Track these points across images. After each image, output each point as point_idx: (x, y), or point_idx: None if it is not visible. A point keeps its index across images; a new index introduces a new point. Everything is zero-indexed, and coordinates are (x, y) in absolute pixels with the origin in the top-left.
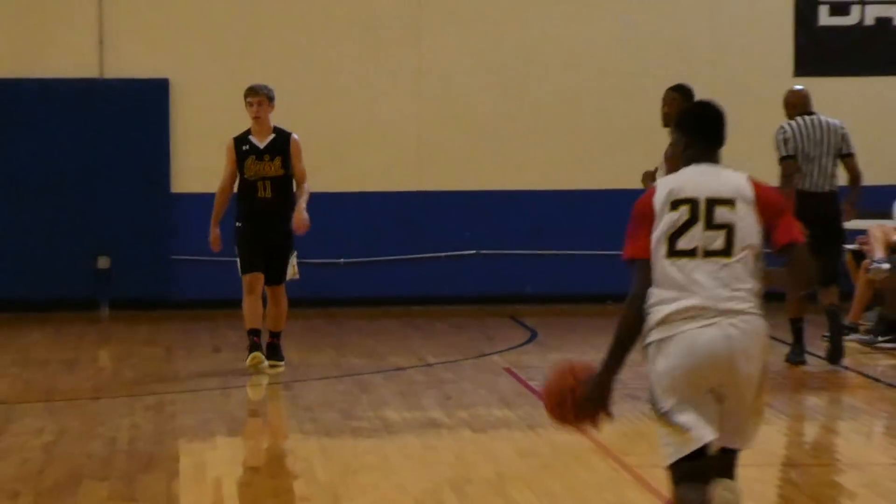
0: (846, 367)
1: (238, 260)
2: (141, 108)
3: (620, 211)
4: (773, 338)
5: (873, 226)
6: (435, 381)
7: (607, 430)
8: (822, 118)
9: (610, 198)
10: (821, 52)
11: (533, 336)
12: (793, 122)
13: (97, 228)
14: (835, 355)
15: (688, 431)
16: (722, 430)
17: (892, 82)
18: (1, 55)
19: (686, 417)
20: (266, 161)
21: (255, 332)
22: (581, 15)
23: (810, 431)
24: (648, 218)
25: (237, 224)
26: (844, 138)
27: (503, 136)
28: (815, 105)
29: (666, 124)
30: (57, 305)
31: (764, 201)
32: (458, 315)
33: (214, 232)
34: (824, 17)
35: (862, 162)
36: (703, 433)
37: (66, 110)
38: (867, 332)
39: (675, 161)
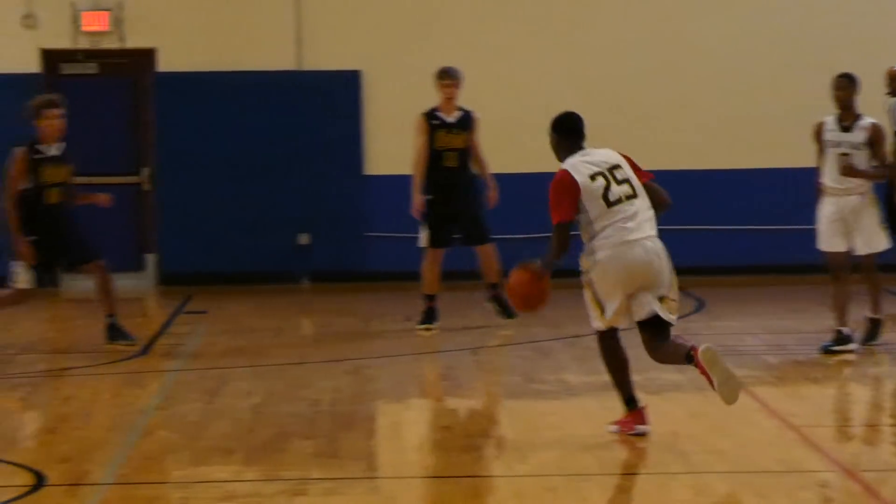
0: None
1: (427, 232)
2: (336, 97)
3: (775, 190)
4: None
5: None
6: None
7: (772, 392)
8: None
9: (766, 177)
10: None
11: (700, 306)
12: None
13: (298, 208)
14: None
15: (610, 318)
16: (646, 308)
17: None
18: (208, 51)
19: (612, 307)
20: (455, 134)
21: (431, 297)
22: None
23: None
24: (573, 192)
25: (427, 197)
26: None
27: (663, 118)
28: None
29: (838, 107)
30: (263, 278)
31: (628, 161)
32: None
33: (419, 199)
34: None
35: None
36: (621, 322)
37: (268, 101)
38: None
39: None
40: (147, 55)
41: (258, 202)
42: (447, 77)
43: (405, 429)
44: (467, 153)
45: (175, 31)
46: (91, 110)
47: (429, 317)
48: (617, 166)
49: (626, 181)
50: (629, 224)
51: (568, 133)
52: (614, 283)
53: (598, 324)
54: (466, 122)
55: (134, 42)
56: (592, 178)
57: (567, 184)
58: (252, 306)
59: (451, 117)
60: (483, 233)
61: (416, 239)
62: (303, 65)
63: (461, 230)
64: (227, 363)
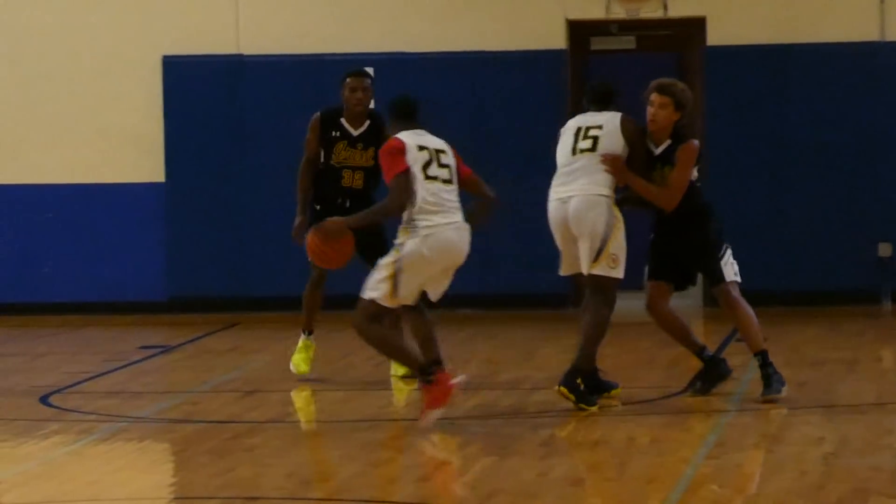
0: None
1: None
2: None
3: None
4: None
5: None
6: None
7: None
8: None
9: None
10: None
11: None
12: None
13: (878, 210)
14: None
15: (401, 297)
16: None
17: None
18: (766, 18)
19: (407, 290)
20: None
21: None
22: None
23: None
24: (404, 152)
25: None
26: None
27: None
28: None
29: None
30: (831, 299)
31: (456, 156)
32: None
33: None
34: None
35: None
36: (410, 300)
37: (841, 81)
38: None
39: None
40: (695, 25)
41: (825, 204)
42: None
43: None
44: None
45: None
46: (626, 93)
47: None
48: (443, 152)
49: (447, 168)
50: (450, 203)
51: (404, 117)
52: (428, 261)
53: (381, 298)
54: None
55: (679, 10)
56: (420, 148)
57: (396, 146)
58: (817, 332)
59: None
60: None
61: None
62: (887, 35)
63: None
64: (791, 402)
